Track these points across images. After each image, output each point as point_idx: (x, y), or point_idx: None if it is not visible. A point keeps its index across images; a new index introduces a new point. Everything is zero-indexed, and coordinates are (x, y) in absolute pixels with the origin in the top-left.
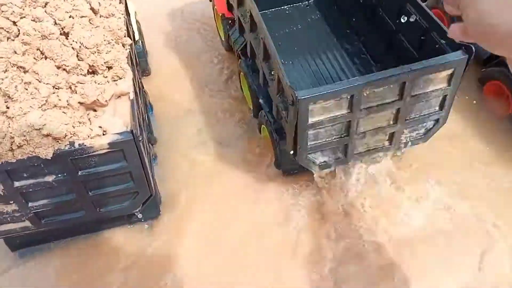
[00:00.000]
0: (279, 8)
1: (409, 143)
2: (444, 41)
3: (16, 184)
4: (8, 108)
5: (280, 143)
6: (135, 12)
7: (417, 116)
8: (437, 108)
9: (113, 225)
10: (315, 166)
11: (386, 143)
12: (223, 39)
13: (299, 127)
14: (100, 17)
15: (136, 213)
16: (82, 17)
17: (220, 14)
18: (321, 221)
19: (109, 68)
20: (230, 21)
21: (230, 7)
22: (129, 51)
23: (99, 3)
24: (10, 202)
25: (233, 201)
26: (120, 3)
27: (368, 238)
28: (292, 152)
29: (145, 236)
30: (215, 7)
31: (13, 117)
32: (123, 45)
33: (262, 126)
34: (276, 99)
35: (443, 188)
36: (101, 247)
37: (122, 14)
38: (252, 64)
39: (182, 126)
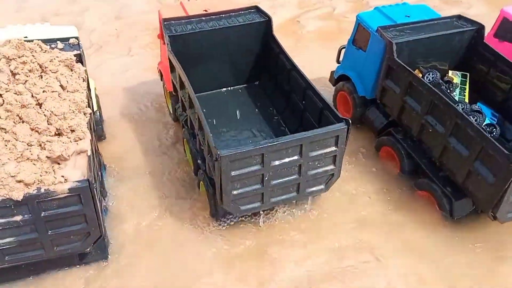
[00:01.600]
0: (218, 90)
1: (313, 193)
2: (332, 116)
3: None
4: None
5: (214, 196)
6: (95, 88)
7: (316, 170)
8: (331, 165)
9: (63, 266)
10: (239, 212)
11: (294, 193)
12: (171, 112)
13: (223, 180)
14: (67, 92)
15: (86, 254)
16: (53, 91)
17: (169, 92)
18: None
19: (72, 131)
20: (176, 98)
21: (174, 88)
22: (89, 118)
23: (67, 81)
24: None
25: (178, 251)
26: (83, 81)
27: None
28: (220, 200)
29: (91, 277)
30: (165, 85)
31: None
32: (84, 114)
33: (201, 182)
34: (208, 158)
35: None
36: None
37: (85, 89)
38: (192, 132)
39: (132, 183)
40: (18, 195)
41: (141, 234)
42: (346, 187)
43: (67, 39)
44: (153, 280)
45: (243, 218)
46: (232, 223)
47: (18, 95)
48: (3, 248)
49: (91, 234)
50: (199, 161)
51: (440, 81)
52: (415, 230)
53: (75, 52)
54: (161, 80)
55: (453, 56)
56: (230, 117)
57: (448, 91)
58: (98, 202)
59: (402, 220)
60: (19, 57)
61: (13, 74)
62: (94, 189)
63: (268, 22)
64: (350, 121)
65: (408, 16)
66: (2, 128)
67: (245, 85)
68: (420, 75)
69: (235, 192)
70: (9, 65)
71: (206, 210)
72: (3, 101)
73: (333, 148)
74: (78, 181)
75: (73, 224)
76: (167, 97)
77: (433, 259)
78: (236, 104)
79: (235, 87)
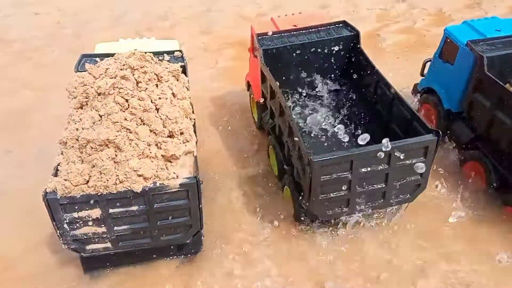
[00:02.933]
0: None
1: (399, 202)
2: (421, 127)
3: (111, 210)
4: (116, 155)
5: (300, 200)
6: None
7: (403, 180)
8: (418, 175)
9: (163, 256)
10: (325, 216)
11: (380, 201)
12: (256, 120)
13: (312, 184)
14: (177, 99)
15: (183, 245)
16: (166, 98)
17: (256, 101)
18: None
19: (181, 133)
20: (263, 107)
21: (264, 98)
22: (193, 123)
23: (177, 90)
24: (102, 225)
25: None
26: (187, 89)
27: None
28: (307, 204)
29: (187, 268)
30: (251, 95)
31: (119, 162)
32: (190, 119)
33: (285, 187)
34: (296, 163)
35: None
36: (152, 274)
37: (189, 97)
38: (279, 139)
39: (218, 185)
40: (138, 187)
41: (226, 231)
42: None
43: (172, 52)
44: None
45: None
46: (313, 229)
47: (141, 100)
48: (118, 234)
49: (192, 227)
50: (285, 167)
51: None
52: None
53: (180, 64)
54: (248, 90)
55: None
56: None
57: None
58: (201, 198)
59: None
60: (141, 68)
61: (137, 82)
62: (200, 186)
63: (356, 36)
64: (440, 133)
65: (499, 30)
66: (128, 129)
67: (329, 94)
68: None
69: (322, 196)
70: (133, 74)
71: (288, 213)
72: (129, 105)
73: (422, 159)
74: (187, 178)
75: (179, 216)
76: (253, 107)
77: None
78: (320, 112)
79: (320, 95)
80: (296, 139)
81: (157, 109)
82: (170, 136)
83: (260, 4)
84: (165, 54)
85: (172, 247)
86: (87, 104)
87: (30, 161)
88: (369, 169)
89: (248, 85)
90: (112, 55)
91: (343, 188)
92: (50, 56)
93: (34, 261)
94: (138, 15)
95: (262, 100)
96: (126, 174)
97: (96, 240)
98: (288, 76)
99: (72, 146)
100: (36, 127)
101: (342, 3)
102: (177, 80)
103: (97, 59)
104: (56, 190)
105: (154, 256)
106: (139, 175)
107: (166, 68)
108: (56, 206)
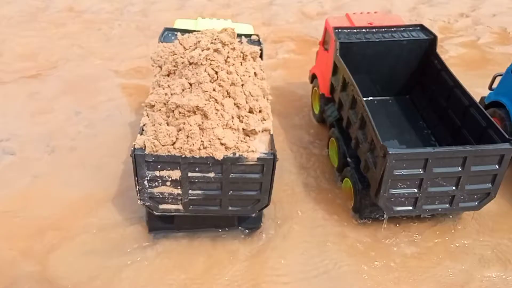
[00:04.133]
0: (367, 98)
1: (465, 208)
2: (497, 136)
3: (189, 174)
4: (202, 122)
5: (362, 192)
6: None
7: (473, 186)
8: (489, 183)
9: (224, 226)
10: (391, 211)
11: (447, 204)
12: (316, 112)
13: (384, 177)
14: (257, 78)
15: (245, 218)
16: (249, 76)
17: (320, 93)
18: None
19: (260, 111)
20: (327, 100)
21: (332, 90)
22: (270, 103)
23: (257, 71)
24: (178, 187)
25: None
26: (263, 72)
27: None
28: (375, 198)
29: (246, 241)
30: (314, 88)
31: (205, 129)
32: (267, 99)
33: (346, 178)
34: (366, 156)
35: None
36: (216, 244)
37: (266, 79)
38: (344, 132)
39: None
40: (219, 155)
41: (282, 214)
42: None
43: (250, 35)
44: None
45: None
46: (370, 221)
47: (229, 74)
48: (191, 198)
49: (260, 201)
50: (348, 159)
51: None
52: None
53: (257, 47)
54: (311, 83)
55: None
56: (380, 125)
57: None
58: (274, 175)
59: None
60: (230, 44)
61: (226, 57)
62: (276, 163)
63: (433, 40)
64: None
65: None
66: (215, 99)
67: (394, 96)
68: None
69: (392, 191)
70: (224, 49)
71: (344, 205)
72: (218, 77)
73: (495, 167)
74: (265, 153)
75: (250, 189)
76: (315, 99)
77: None
78: (386, 114)
79: (384, 97)
80: (370, 131)
81: (242, 85)
82: (250, 112)
83: (322, 4)
84: (243, 36)
85: (235, 218)
86: (174, 72)
87: (99, 122)
88: (442, 170)
89: (312, 78)
90: (191, 31)
91: (413, 185)
92: (117, 29)
93: (100, 215)
94: (203, 1)
95: (326, 93)
96: (210, 141)
97: (170, 200)
98: (357, 72)
99: (160, 110)
100: (104, 94)
101: (404, 12)
102: (254, 62)
103: (178, 33)
104: (145, 147)
105: (215, 225)
106: (222, 144)
107: (248, 49)
108: (141, 162)
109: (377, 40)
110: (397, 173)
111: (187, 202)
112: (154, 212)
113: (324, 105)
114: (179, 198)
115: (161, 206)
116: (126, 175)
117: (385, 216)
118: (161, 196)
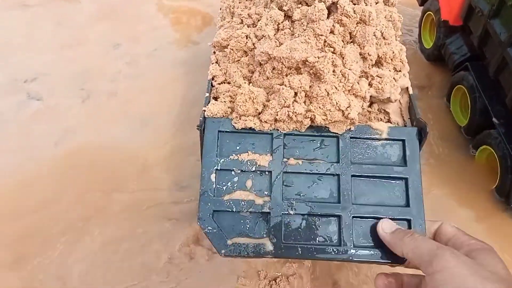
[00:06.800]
0: None
1: None
2: None
3: None
4: (310, 87)
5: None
6: None
7: None
8: None
9: None
10: None
11: None
12: (427, 47)
13: None
14: (388, 5)
15: None
16: (377, 3)
17: (442, 20)
18: None
19: (391, 59)
20: (449, 30)
21: (468, 17)
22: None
23: None
24: None
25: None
26: None
27: None
28: None
29: None
30: (428, 12)
31: (313, 97)
32: (396, 36)
33: (484, 146)
34: None
35: None
36: None
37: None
38: (483, 77)
39: None
40: (339, 130)
41: None
42: None
43: None
44: None
45: None
46: None
47: (355, 4)
48: None
49: None
50: (494, 119)
51: None
52: None
53: None
54: (421, 5)
55: None
56: None
57: None
58: None
59: None
60: None
61: None
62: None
63: None
64: None
65: None
66: (331, 47)
67: None
68: None
69: None
70: None
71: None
72: (337, 9)
73: None
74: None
75: None
76: (426, 28)
77: None
78: None
79: None
80: None
81: (370, 21)
82: (375, 64)
83: None
84: None
85: None
86: None
87: (143, 59)
88: None
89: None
90: None
91: None
92: None
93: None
94: None
95: (452, 20)
96: (325, 113)
97: None
98: None
99: (238, 60)
100: (147, 21)
101: None
102: None
103: None
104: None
105: None
106: (346, 116)
107: None
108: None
109: None
110: None
111: None
112: None
113: (445, 38)
114: None
115: None
116: (179, 133)
117: None
118: None
